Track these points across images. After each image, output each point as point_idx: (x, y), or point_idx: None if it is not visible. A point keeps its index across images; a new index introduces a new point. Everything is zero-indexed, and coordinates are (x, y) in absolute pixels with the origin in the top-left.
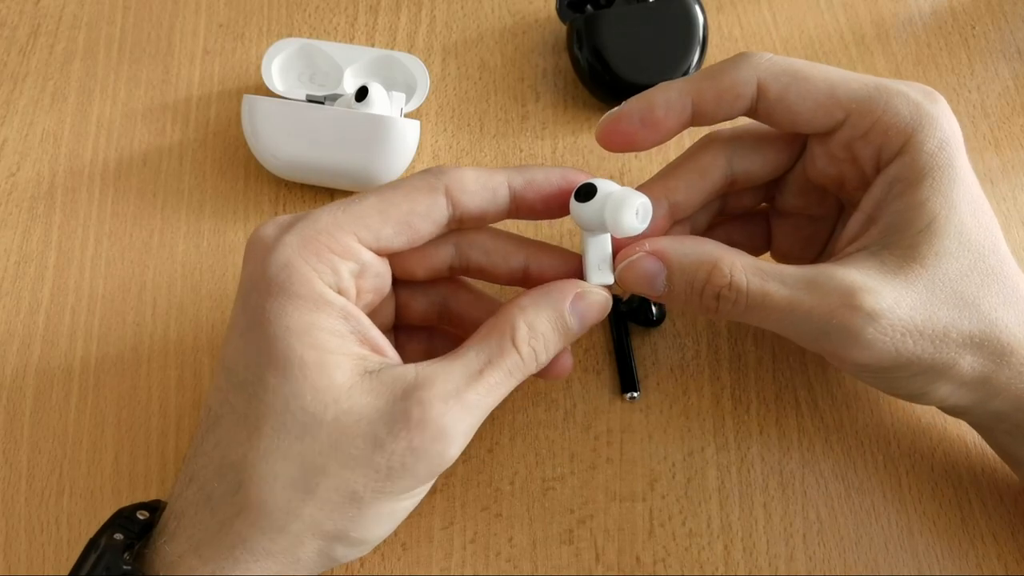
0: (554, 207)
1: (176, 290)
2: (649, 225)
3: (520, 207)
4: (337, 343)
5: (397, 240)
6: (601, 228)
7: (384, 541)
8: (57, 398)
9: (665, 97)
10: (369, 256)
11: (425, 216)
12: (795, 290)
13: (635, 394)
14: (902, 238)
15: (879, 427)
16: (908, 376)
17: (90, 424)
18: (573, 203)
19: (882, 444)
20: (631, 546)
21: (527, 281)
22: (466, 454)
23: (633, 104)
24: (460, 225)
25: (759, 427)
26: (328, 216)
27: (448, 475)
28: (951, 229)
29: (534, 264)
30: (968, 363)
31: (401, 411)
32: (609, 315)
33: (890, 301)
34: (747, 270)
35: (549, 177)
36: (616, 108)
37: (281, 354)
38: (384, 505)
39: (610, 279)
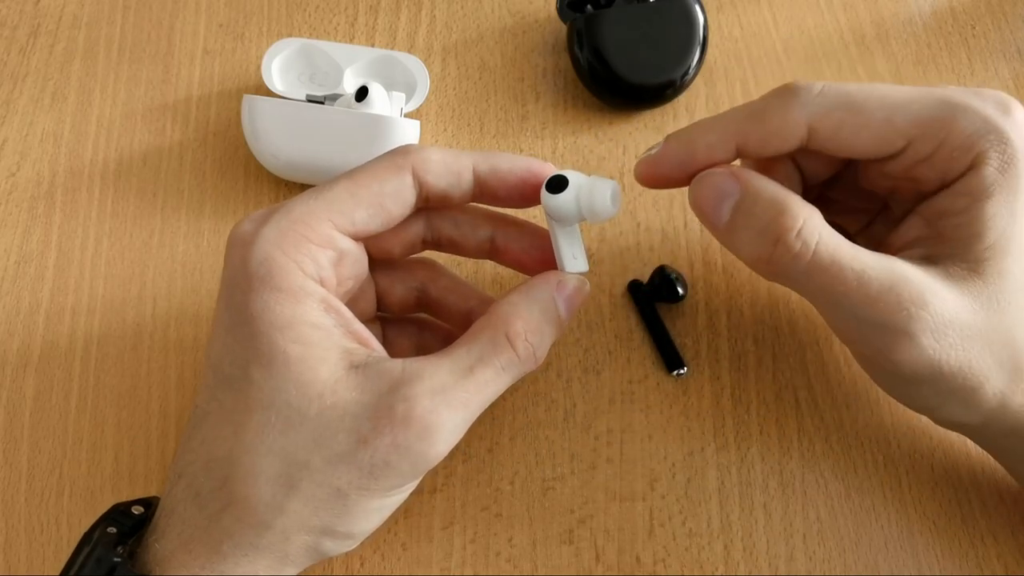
0: (516, 197)
1: (176, 290)
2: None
3: (484, 192)
4: (321, 336)
5: (372, 223)
6: (573, 218)
7: (384, 541)
8: (57, 398)
9: (706, 141)
10: (347, 242)
11: (395, 196)
12: (868, 268)
13: (683, 370)
14: (968, 252)
15: (879, 427)
16: (932, 392)
17: (90, 424)
18: (545, 194)
19: (882, 444)
20: (631, 546)
21: (495, 253)
22: (466, 454)
23: (672, 147)
24: (425, 204)
25: (759, 427)
26: (302, 205)
27: (448, 475)
28: (1014, 248)
29: (500, 236)
30: (992, 386)
31: (386, 407)
32: (636, 301)
33: (953, 312)
34: (822, 228)
35: (514, 167)
36: (655, 148)
37: (265, 349)
38: (370, 501)
39: (585, 267)
